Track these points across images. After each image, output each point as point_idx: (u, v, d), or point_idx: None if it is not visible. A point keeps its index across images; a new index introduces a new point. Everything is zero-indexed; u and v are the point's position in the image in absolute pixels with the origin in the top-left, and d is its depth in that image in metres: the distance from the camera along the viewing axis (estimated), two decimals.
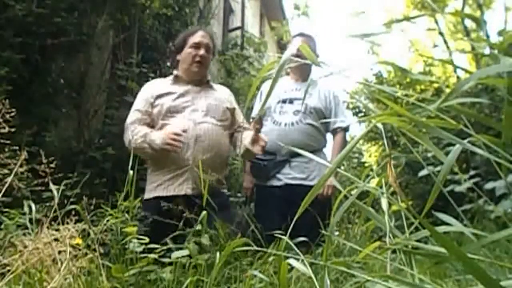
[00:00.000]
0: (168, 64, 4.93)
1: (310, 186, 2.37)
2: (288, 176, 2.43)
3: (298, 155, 2.43)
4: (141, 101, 2.21)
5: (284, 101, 2.54)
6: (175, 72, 2.29)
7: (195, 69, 2.21)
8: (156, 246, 1.42)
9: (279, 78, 2.83)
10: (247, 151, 2.12)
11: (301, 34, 2.73)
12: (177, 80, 2.26)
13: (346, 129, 2.58)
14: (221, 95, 2.30)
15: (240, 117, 2.35)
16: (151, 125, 2.16)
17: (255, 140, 2.10)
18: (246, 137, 2.17)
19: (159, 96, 2.17)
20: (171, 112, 2.12)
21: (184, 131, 2.03)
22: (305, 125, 2.47)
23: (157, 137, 2.02)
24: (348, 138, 2.70)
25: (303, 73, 2.66)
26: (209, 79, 2.32)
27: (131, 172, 1.86)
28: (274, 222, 2.34)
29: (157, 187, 2.09)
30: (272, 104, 2.59)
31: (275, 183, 2.45)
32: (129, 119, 2.18)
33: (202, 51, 2.21)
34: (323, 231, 2.22)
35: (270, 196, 2.46)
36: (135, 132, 2.09)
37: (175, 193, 2.01)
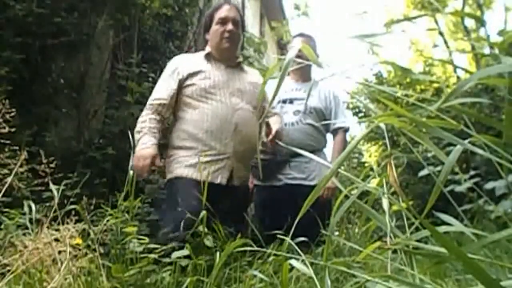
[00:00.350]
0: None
1: (310, 186, 2.39)
2: (288, 176, 2.43)
3: (298, 155, 2.43)
4: (168, 80, 2.05)
5: (284, 101, 2.55)
6: (207, 48, 2.15)
7: (225, 45, 2.08)
8: (156, 246, 1.42)
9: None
10: (264, 143, 2.11)
11: (301, 35, 2.73)
12: (209, 58, 2.12)
13: (346, 130, 2.58)
14: (255, 79, 2.19)
15: (268, 99, 2.23)
16: (172, 112, 2.05)
17: (270, 132, 2.07)
18: (273, 124, 2.12)
19: (192, 75, 2.03)
20: (206, 93, 1.99)
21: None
22: (305, 125, 2.47)
23: (138, 147, 1.89)
24: (348, 139, 2.71)
25: (303, 73, 2.66)
26: (241, 60, 2.21)
27: (131, 172, 1.86)
28: (274, 222, 2.35)
29: (188, 167, 1.93)
30: (273, 104, 2.59)
31: (275, 183, 2.45)
32: (150, 100, 2.05)
33: (230, 26, 2.08)
34: (323, 231, 2.23)
35: (270, 196, 2.46)
36: (143, 119, 1.98)
37: (209, 179, 1.84)
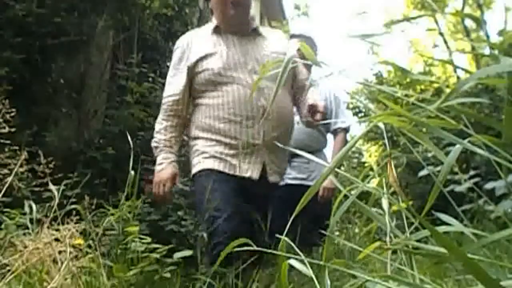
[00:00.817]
0: (168, 64, 4.93)
1: (309, 186, 2.39)
2: (288, 176, 2.44)
3: (299, 155, 2.43)
4: (176, 72, 1.82)
5: None
6: (213, 20, 1.85)
7: (231, 11, 1.74)
8: (157, 246, 1.42)
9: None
10: (309, 121, 1.75)
11: (299, 35, 2.73)
12: (217, 31, 1.82)
13: (346, 130, 2.59)
14: (278, 46, 1.83)
15: (302, 72, 1.91)
16: (191, 101, 1.82)
17: (312, 108, 1.72)
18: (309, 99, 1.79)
19: (201, 59, 1.76)
20: (220, 76, 1.70)
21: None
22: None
23: (156, 169, 1.73)
24: (348, 138, 2.71)
25: None
26: (256, 25, 1.85)
27: (132, 172, 1.86)
28: (273, 222, 2.36)
29: (213, 158, 1.69)
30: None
31: None
32: (163, 98, 1.85)
33: None
34: (323, 232, 2.24)
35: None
36: (158, 128, 1.80)
37: (238, 173, 1.66)
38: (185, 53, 1.82)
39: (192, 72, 1.77)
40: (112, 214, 1.51)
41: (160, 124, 1.80)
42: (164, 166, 1.71)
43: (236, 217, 1.54)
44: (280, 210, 2.39)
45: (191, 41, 1.86)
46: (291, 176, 2.45)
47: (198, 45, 1.81)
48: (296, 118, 2.45)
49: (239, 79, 1.70)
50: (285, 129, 1.75)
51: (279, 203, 2.39)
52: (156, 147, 1.76)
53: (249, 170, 1.66)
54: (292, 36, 2.71)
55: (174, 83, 1.81)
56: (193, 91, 1.81)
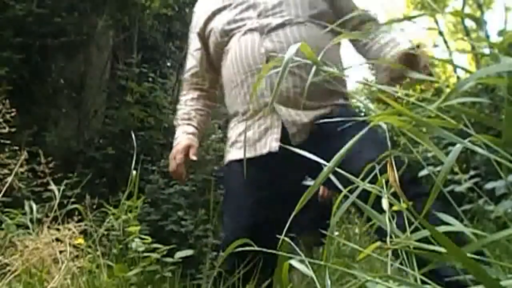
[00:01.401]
0: (168, 64, 4.93)
1: (308, 186, 2.40)
2: None
3: None
4: (192, 42, 1.57)
5: None
6: None
7: None
8: (158, 246, 1.42)
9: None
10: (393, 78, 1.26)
11: None
12: None
13: None
14: None
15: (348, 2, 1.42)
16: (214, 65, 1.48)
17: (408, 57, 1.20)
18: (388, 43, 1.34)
19: (210, 18, 1.47)
20: (229, 31, 1.39)
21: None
22: None
23: (174, 141, 1.48)
24: None
25: None
26: None
27: (134, 172, 1.86)
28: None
29: (232, 146, 1.43)
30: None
31: None
32: (184, 73, 1.62)
33: None
34: (324, 232, 2.25)
35: None
36: (180, 104, 1.56)
37: (252, 154, 1.32)
38: (195, 18, 1.58)
39: (203, 38, 1.49)
40: (113, 214, 1.51)
41: (181, 99, 1.55)
42: (179, 140, 1.45)
43: (245, 220, 1.31)
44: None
45: (203, 1, 1.59)
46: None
47: (208, 3, 1.51)
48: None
49: (245, 29, 1.35)
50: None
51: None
52: (176, 124, 1.53)
53: (266, 143, 1.30)
54: None
55: (190, 55, 1.56)
56: (211, 62, 1.50)
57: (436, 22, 15.24)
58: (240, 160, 1.34)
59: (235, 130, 1.41)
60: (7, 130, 1.74)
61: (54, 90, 3.20)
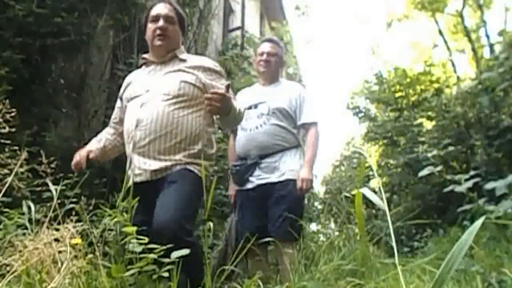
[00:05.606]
0: None
1: (279, 182, 2.42)
2: (258, 177, 2.49)
3: (267, 156, 2.49)
4: (117, 102, 2.17)
5: (249, 108, 2.58)
6: (144, 55, 2.11)
7: (157, 42, 1.97)
8: (156, 246, 1.42)
9: (248, 88, 2.87)
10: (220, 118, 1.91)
11: (269, 40, 2.81)
12: (146, 63, 2.08)
13: (315, 124, 2.59)
14: (186, 65, 1.98)
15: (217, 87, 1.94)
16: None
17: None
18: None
19: (126, 87, 2.06)
20: (128, 101, 1.99)
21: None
22: (270, 126, 2.50)
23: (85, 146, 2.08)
24: (347, 138, 2.71)
25: (270, 77, 2.70)
26: (177, 53, 2.02)
27: (129, 172, 1.86)
28: (248, 223, 2.45)
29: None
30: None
31: (249, 186, 2.51)
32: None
33: (161, 23, 1.96)
34: (300, 224, 2.29)
35: (246, 199, 2.53)
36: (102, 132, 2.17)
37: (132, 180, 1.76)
38: (124, 82, 2.16)
39: (121, 98, 2.13)
40: (110, 215, 1.51)
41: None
42: (87, 146, 2.05)
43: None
44: (255, 210, 2.47)
45: (132, 74, 2.20)
46: (261, 177, 2.48)
47: (131, 76, 2.16)
48: (258, 122, 2.50)
49: (137, 99, 1.93)
50: (166, 134, 1.84)
51: (254, 204, 2.48)
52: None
53: (138, 176, 1.84)
54: (267, 41, 2.79)
55: (117, 102, 2.18)
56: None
57: (436, 22, 15.24)
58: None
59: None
60: (7, 130, 1.74)
61: (54, 90, 3.20)
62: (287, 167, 2.46)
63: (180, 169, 1.82)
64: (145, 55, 2.08)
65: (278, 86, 2.69)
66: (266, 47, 2.71)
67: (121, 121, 2.06)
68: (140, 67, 2.16)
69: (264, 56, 2.67)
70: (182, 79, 1.92)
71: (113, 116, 2.15)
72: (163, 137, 1.82)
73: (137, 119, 1.84)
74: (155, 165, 1.81)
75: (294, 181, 2.42)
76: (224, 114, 1.81)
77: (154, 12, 2.00)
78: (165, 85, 1.90)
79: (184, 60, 2.01)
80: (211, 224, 1.79)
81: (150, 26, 2.00)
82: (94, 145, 2.05)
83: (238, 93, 2.77)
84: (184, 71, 1.95)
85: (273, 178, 2.46)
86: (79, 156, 1.96)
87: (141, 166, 1.82)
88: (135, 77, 2.07)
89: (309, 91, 2.70)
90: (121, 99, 2.10)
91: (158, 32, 1.96)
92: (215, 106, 1.72)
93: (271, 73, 2.71)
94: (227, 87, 1.78)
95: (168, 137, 1.83)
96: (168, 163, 1.82)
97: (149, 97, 1.88)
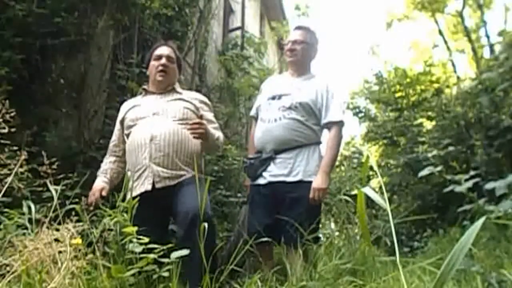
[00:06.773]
0: None
1: (292, 183, 2.33)
2: (271, 173, 2.38)
3: (283, 151, 2.37)
4: (116, 124, 2.40)
5: (273, 98, 2.47)
6: (143, 86, 2.44)
7: (159, 78, 2.33)
8: (156, 246, 1.42)
9: (278, 75, 2.86)
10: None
11: (299, 27, 2.64)
12: (146, 93, 2.40)
13: (339, 124, 2.42)
14: (184, 96, 2.37)
15: (208, 118, 2.36)
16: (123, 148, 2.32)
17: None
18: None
19: (128, 111, 2.33)
20: (133, 121, 2.25)
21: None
22: (289, 120, 2.37)
23: (95, 184, 2.25)
24: (348, 139, 2.67)
25: (298, 67, 2.56)
26: (175, 86, 2.39)
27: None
28: (259, 219, 2.35)
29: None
30: (262, 102, 2.55)
31: (261, 181, 2.41)
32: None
33: (163, 61, 2.34)
34: (314, 231, 2.21)
35: (257, 194, 2.44)
36: (103, 162, 2.38)
37: (138, 192, 2.07)
38: (122, 109, 2.44)
39: (122, 123, 2.37)
40: (110, 215, 1.51)
41: (107, 153, 2.43)
42: (96, 183, 2.26)
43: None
44: (266, 207, 2.37)
45: (128, 101, 2.48)
46: (273, 174, 2.37)
47: (130, 103, 2.43)
48: (278, 114, 2.41)
49: (145, 119, 2.22)
50: (170, 150, 2.14)
51: (265, 201, 2.38)
52: (98, 175, 2.32)
53: (142, 186, 2.10)
54: (297, 28, 2.63)
55: (116, 128, 2.43)
56: (122, 146, 2.39)
57: (436, 22, 15.24)
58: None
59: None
60: (7, 130, 1.74)
61: (54, 90, 3.20)
62: (302, 167, 2.34)
63: (190, 176, 2.14)
64: (145, 87, 2.42)
65: (308, 80, 2.51)
66: (294, 35, 2.56)
67: (120, 143, 2.35)
68: (135, 95, 2.48)
69: (290, 45, 2.53)
70: (184, 105, 2.27)
71: (112, 139, 2.40)
72: (177, 150, 2.14)
73: (151, 135, 2.12)
74: (171, 173, 2.12)
75: (307, 183, 2.29)
76: (205, 139, 2.16)
77: (158, 52, 2.39)
78: (171, 109, 2.23)
79: (180, 93, 2.37)
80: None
81: (154, 63, 2.36)
82: (103, 181, 2.27)
83: (265, 81, 2.72)
84: (184, 100, 2.31)
85: (286, 177, 2.34)
86: (93, 196, 2.16)
87: (160, 174, 2.09)
88: (136, 103, 2.36)
89: (332, 86, 2.51)
90: (121, 122, 2.35)
91: (160, 68, 2.33)
92: (199, 132, 2.11)
93: (299, 63, 2.54)
94: (201, 117, 2.20)
95: (180, 150, 2.15)
96: (182, 172, 2.14)
97: (159, 118, 2.20)
